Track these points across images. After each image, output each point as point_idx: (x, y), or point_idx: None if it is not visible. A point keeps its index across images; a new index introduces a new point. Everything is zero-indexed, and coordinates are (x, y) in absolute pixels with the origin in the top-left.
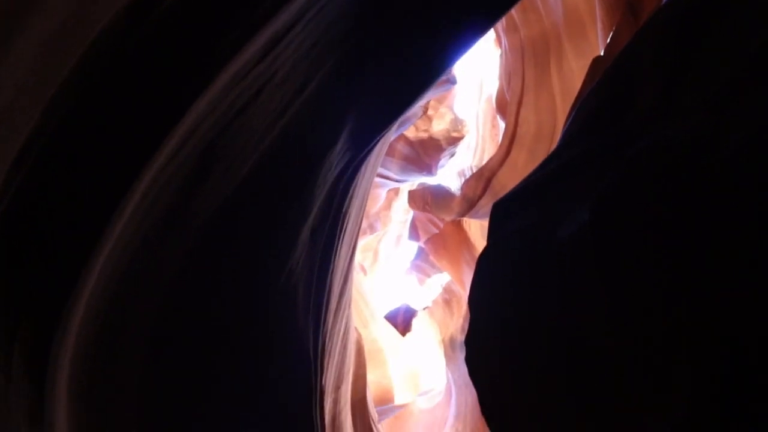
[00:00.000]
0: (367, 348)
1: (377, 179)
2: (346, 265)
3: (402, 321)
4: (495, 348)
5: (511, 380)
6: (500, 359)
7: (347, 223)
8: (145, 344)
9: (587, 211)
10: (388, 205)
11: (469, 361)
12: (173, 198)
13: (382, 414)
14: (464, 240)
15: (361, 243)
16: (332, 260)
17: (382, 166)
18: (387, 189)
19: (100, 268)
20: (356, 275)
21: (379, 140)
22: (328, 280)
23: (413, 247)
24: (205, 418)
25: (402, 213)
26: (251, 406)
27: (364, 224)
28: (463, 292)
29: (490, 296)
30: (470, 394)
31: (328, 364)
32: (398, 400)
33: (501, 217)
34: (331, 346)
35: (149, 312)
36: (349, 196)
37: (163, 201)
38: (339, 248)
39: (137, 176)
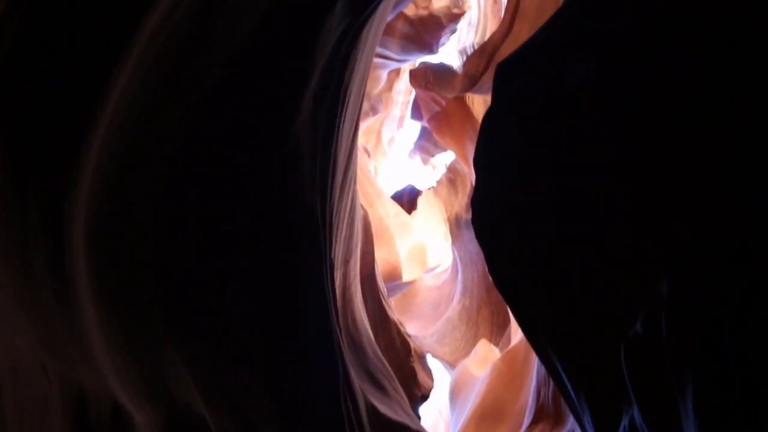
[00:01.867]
0: (373, 227)
1: (377, 60)
2: (350, 141)
3: (407, 200)
4: (502, 206)
5: (518, 237)
6: (507, 217)
7: (349, 96)
8: (159, 190)
9: (594, 59)
10: (389, 86)
11: (475, 222)
12: (177, 53)
13: (390, 291)
14: (468, 116)
15: (364, 126)
16: (335, 133)
17: (381, 46)
18: (388, 70)
19: (110, 114)
20: (360, 157)
21: (377, 5)
22: (332, 152)
23: (416, 128)
24: (216, 263)
25: (404, 94)
26: (261, 273)
27: (366, 107)
28: (468, 171)
29: (496, 154)
30: (476, 270)
31: (336, 237)
32: (406, 277)
33: (505, 78)
34: (339, 220)
35: (162, 162)
36: (349, 66)
37: (167, 55)
38: (342, 122)
39: (138, 25)
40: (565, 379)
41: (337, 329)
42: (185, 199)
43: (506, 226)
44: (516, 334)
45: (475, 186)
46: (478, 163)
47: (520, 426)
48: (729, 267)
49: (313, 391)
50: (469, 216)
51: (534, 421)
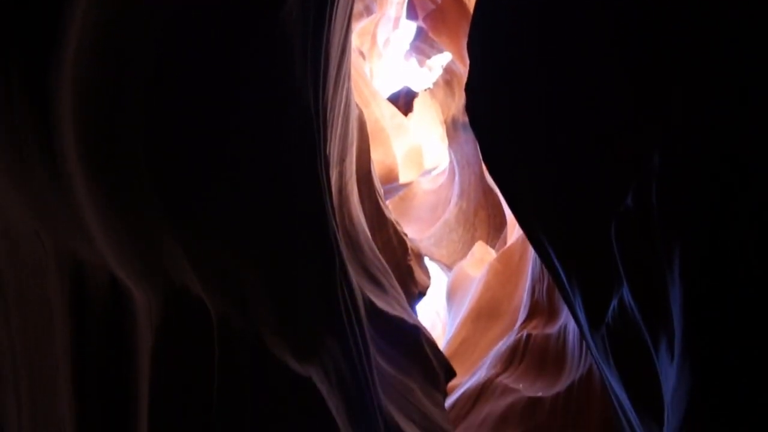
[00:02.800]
0: (369, 128)
1: None
2: (343, 34)
3: (404, 102)
4: (496, 89)
5: (511, 119)
6: (500, 98)
7: None
8: (148, 71)
9: None
10: None
11: (469, 107)
12: None
13: (387, 193)
14: (464, 13)
15: (358, 27)
16: (327, 22)
17: None
18: None
19: None
20: (356, 59)
21: None
22: (324, 41)
23: (412, 29)
24: (207, 149)
25: None
26: (255, 162)
27: (360, 7)
28: (464, 72)
29: (490, 35)
30: (473, 173)
31: (331, 135)
32: (403, 179)
33: None
34: (333, 117)
35: (149, 41)
36: None
37: None
38: (334, 11)
39: None
40: (558, 266)
41: (333, 223)
42: (173, 84)
43: (499, 108)
44: (512, 235)
45: (469, 71)
46: (473, 43)
47: (514, 323)
48: (720, 137)
49: (310, 282)
50: (466, 118)
51: (528, 317)
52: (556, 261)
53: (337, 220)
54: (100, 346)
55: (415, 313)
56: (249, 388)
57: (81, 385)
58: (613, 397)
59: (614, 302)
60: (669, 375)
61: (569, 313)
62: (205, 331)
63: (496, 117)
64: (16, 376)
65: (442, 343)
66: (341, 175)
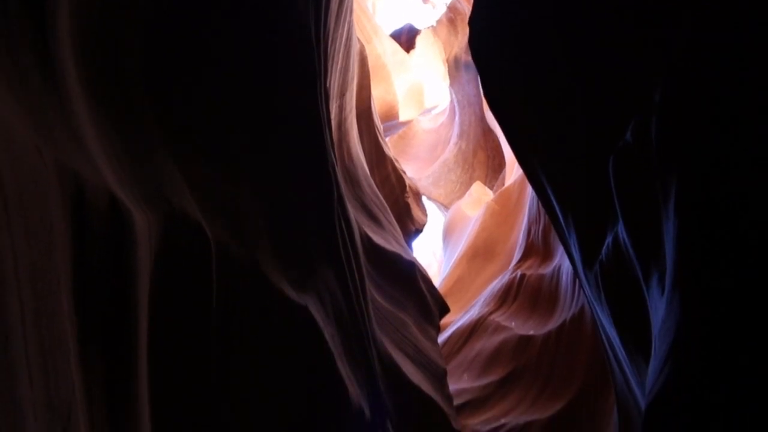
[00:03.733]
0: (370, 64)
1: None
2: None
3: (406, 39)
4: (498, 24)
5: (513, 50)
6: (503, 27)
7: None
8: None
9: None
10: None
11: (472, 41)
12: None
13: (387, 130)
14: None
15: None
16: None
17: None
18: None
19: None
20: None
21: None
22: None
23: None
24: (205, 77)
25: None
26: (255, 88)
27: None
28: (468, 10)
29: None
30: (473, 113)
31: (331, 67)
32: (403, 117)
33: None
34: (334, 50)
35: None
36: None
37: None
38: None
39: None
40: (555, 203)
41: (332, 155)
42: (173, 4)
43: (502, 42)
44: (510, 177)
45: (473, 5)
46: None
47: (509, 263)
48: (722, 74)
49: (308, 212)
50: (468, 57)
51: (523, 258)
52: (553, 199)
53: (336, 154)
54: (101, 263)
55: (412, 249)
56: (246, 314)
57: (81, 301)
58: (603, 336)
59: (609, 239)
60: (658, 309)
61: (564, 254)
62: (204, 256)
63: (498, 51)
64: (18, 282)
65: (437, 282)
66: (341, 109)
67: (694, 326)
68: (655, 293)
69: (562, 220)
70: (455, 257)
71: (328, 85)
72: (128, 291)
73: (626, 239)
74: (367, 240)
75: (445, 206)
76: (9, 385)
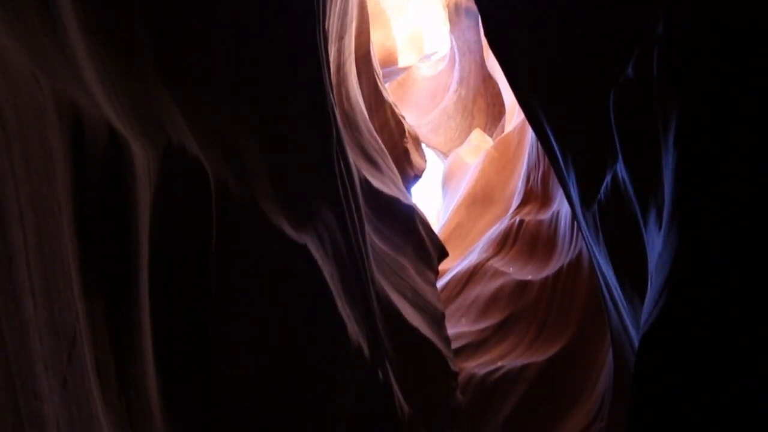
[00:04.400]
0: (369, 8)
1: None
2: None
3: None
4: None
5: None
6: None
7: None
8: None
9: None
10: None
11: None
12: None
13: (386, 76)
14: None
15: None
16: None
17: None
18: None
19: None
20: None
21: None
22: None
23: None
24: (205, 18)
25: None
26: (253, 24)
27: None
28: None
29: None
30: (473, 60)
31: (330, 10)
32: (402, 62)
33: None
34: None
35: None
36: None
37: None
38: None
39: None
40: (554, 144)
41: (331, 95)
42: None
43: None
44: (510, 124)
45: None
46: None
47: (508, 210)
48: (725, 6)
49: (307, 150)
50: (470, 2)
51: (522, 204)
52: (553, 139)
53: (335, 98)
54: (101, 194)
55: (411, 195)
56: (246, 251)
57: (83, 231)
58: (599, 278)
59: (608, 178)
60: (655, 244)
61: (562, 200)
62: (203, 192)
63: None
64: (20, 206)
65: (436, 230)
66: (339, 53)
67: (691, 256)
68: (652, 229)
69: (561, 162)
70: (454, 204)
71: (326, 26)
72: (129, 223)
73: (625, 177)
74: (365, 184)
75: (444, 154)
76: (14, 308)
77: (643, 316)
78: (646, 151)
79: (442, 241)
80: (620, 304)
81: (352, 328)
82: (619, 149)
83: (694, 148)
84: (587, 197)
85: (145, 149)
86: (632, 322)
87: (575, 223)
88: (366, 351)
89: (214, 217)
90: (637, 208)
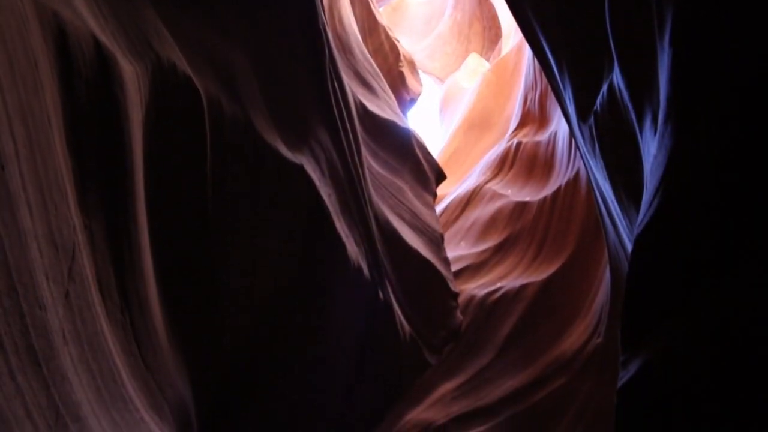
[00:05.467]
0: None
1: None
2: None
3: None
4: None
5: None
6: None
7: None
8: None
9: None
10: None
11: None
12: None
13: (379, 2)
14: None
15: None
16: None
17: None
18: None
19: None
20: None
21: None
22: None
23: None
24: None
25: None
26: None
27: None
28: None
29: None
30: None
31: None
32: None
33: None
34: None
35: None
36: None
37: None
38: None
39: None
40: (550, 56)
41: (322, 13)
42: None
43: None
44: (507, 47)
45: None
46: None
47: (506, 133)
48: None
49: (299, 67)
50: None
51: (519, 126)
52: (548, 51)
53: (327, 20)
54: (91, 108)
55: (407, 119)
56: (241, 170)
57: (74, 146)
58: (597, 193)
59: (604, 87)
60: (651, 149)
61: (560, 120)
62: (195, 110)
63: None
64: (8, 116)
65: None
66: None
67: (686, 155)
68: (648, 135)
69: (557, 75)
70: (451, 130)
71: None
72: (121, 139)
73: (621, 84)
74: (361, 107)
75: (440, 80)
76: (11, 217)
77: (637, 222)
78: (642, 54)
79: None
80: (617, 219)
81: (352, 248)
82: (614, 55)
83: (689, 47)
84: (583, 110)
85: (134, 66)
86: (629, 236)
87: (573, 143)
88: (366, 271)
89: (208, 136)
90: (633, 115)
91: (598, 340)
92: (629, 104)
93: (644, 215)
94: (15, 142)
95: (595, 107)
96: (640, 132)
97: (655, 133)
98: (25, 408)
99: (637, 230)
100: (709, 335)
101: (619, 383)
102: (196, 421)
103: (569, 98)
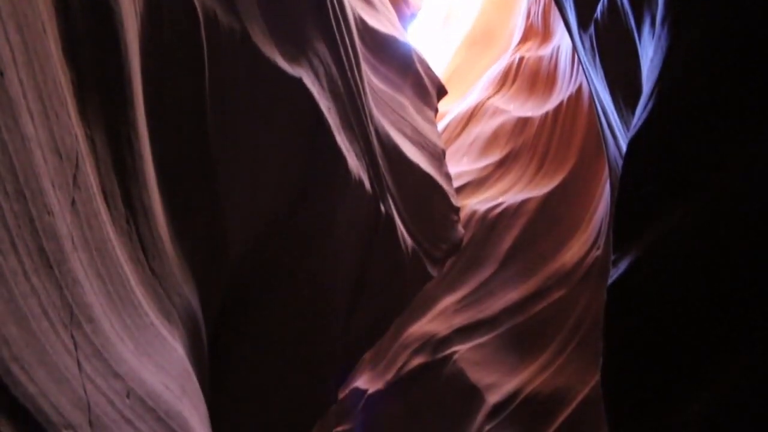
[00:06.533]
0: None
1: None
2: None
3: None
4: None
5: None
6: None
7: None
8: None
9: None
10: None
11: None
12: None
13: None
14: None
15: None
16: None
17: None
18: None
19: None
20: None
21: None
22: None
23: None
24: None
25: None
26: None
27: None
28: None
29: None
30: None
31: None
32: None
33: None
34: None
35: None
36: None
37: None
38: None
39: None
40: None
41: None
42: None
43: None
44: None
45: None
46: None
47: (509, 48)
48: None
49: None
50: None
51: (522, 40)
52: None
53: None
54: (84, 15)
55: (407, 34)
56: (239, 85)
57: (72, 56)
58: (597, 105)
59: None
60: (648, 53)
61: (563, 34)
62: (192, 24)
63: None
64: (2, 21)
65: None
66: None
67: (681, 53)
68: (646, 40)
69: None
70: (454, 46)
71: None
72: (118, 49)
73: None
74: (360, 22)
75: None
76: (14, 123)
77: (632, 122)
78: None
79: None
80: (617, 130)
81: (352, 161)
82: None
83: None
84: (584, 18)
85: None
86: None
87: (575, 57)
88: (367, 184)
89: (205, 49)
90: (632, 21)
91: (598, 253)
92: (629, 10)
93: (639, 118)
94: (12, 48)
95: (595, 15)
96: (639, 38)
97: (653, 37)
98: (41, 307)
99: (631, 132)
100: (700, 233)
101: (609, 281)
102: (204, 329)
103: (570, 7)
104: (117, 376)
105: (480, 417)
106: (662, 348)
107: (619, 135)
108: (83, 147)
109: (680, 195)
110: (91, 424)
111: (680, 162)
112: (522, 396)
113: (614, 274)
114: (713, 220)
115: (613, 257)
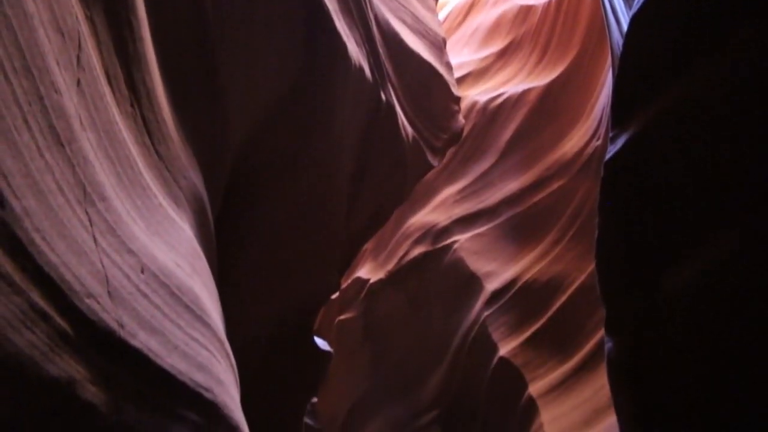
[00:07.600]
0: None
1: None
2: None
3: None
4: None
5: None
6: None
7: None
8: None
9: None
10: None
11: None
12: None
13: None
14: None
15: None
16: None
17: None
18: None
19: None
20: None
21: None
22: None
23: None
24: None
25: None
26: None
27: None
28: None
29: None
30: None
31: None
32: None
33: None
34: None
35: None
36: None
37: None
38: None
39: None
40: None
41: None
42: None
43: None
44: None
45: None
46: None
47: None
48: None
49: None
50: None
51: None
52: None
53: None
54: None
55: None
56: None
57: None
58: None
59: None
60: None
61: None
62: None
63: None
64: None
65: None
66: None
67: None
68: None
69: None
70: None
71: None
72: None
73: None
74: None
75: None
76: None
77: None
78: None
79: None
80: (621, 15)
81: (353, 47)
82: None
83: None
84: None
85: None
86: None
87: None
88: (367, 71)
89: None
90: None
91: (598, 143)
92: None
93: None
94: None
95: None
96: None
97: None
98: (56, 183)
99: (633, 9)
100: (699, 108)
101: (606, 157)
102: (211, 214)
103: None
104: (131, 252)
105: (478, 304)
106: (656, 221)
107: (623, 18)
108: (84, 28)
109: (679, 74)
110: (110, 295)
111: (679, 41)
112: (520, 283)
113: (611, 150)
114: (711, 100)
115: (611, 134)
